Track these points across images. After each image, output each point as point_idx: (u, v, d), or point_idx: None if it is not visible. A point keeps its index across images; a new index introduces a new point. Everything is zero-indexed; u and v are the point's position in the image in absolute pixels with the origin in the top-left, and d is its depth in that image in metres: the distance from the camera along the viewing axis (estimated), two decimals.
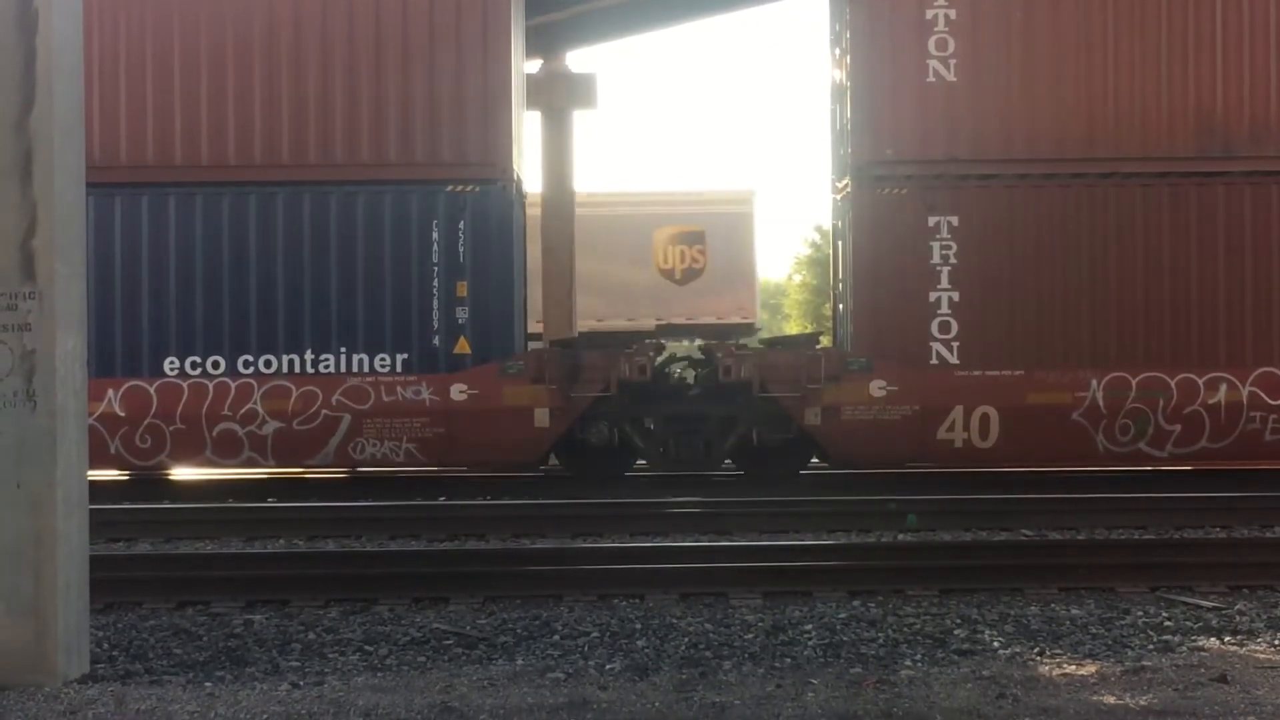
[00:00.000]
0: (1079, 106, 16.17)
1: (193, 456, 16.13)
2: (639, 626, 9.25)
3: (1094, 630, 9.09)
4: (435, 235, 16.15)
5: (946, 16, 16.18)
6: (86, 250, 8.29)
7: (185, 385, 16.06)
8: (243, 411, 16.03)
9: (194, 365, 16.10)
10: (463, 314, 16.16)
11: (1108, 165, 16.14)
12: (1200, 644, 8.70)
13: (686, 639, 8.88)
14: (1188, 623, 9.32)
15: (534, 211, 21.52)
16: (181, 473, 16.90)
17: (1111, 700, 7.25)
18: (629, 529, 13.58)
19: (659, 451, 16.90)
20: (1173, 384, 16.02)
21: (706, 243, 27.57)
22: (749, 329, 27.33)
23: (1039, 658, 8.34)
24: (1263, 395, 16.02)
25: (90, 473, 8.17)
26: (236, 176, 16.18)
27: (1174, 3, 16.19)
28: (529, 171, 19.47)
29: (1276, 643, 8.71)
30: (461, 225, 16.19)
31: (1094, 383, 16.02)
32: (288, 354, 16.13)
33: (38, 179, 7.68)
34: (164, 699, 7.47)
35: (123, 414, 15.97)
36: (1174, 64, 16.17)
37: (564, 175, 24.79)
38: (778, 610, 9.75)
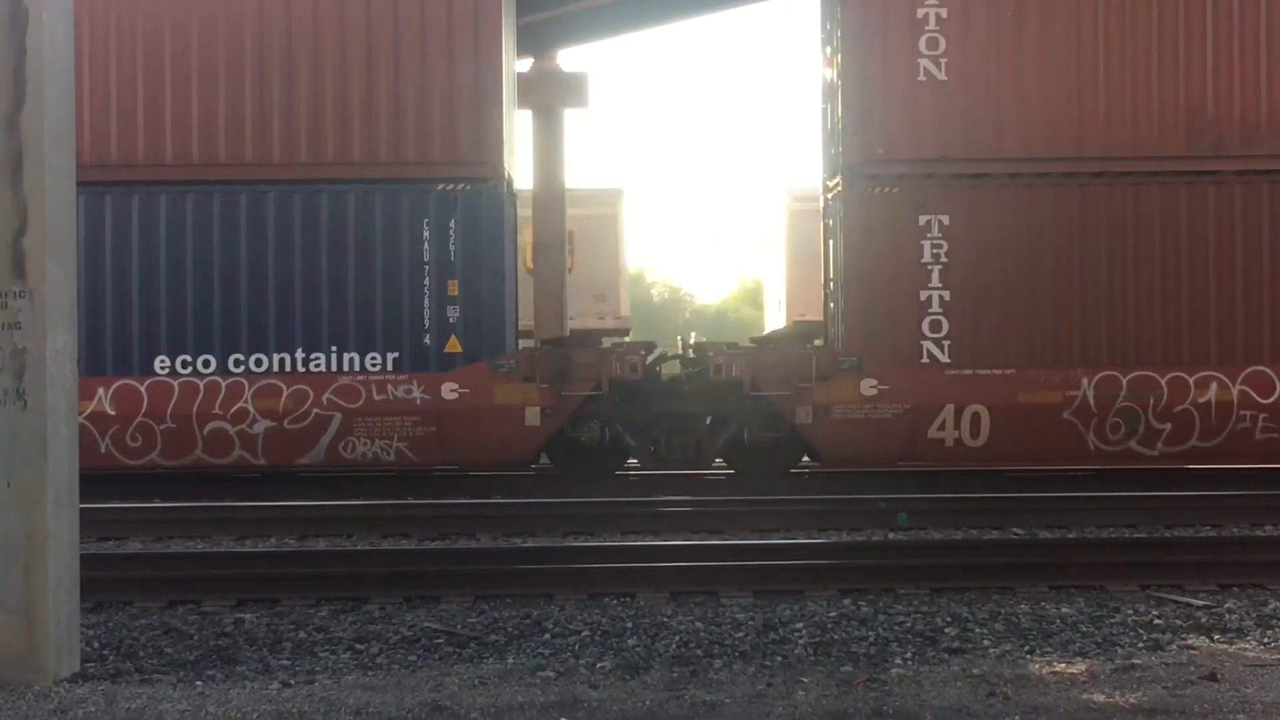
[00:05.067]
0: (1070, 105, 16.19)
1: (184, 455, 16.11)
2: (630, 625, 9.26)
3: (1084, 628, 9.11)
4: (426, 234, 16.15)
5: (937, 15, 16.19)
6: (77, 249, 8.29)
7: (176, 384, 16.04)
8: (234, 410, 16.01)
9: (185, 364, 16.09)
10: (454, 313, 16.15)
11: (1098, 164, 16.16)
12: (1190, 642, 8.72)
13: (677, 637, 8.88)
14: (1177, 621, 9.34)
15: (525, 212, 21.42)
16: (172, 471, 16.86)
17: (1101, 698, 7.26)
18: (620, 528, 13.59)
19: (650, 450, 16.89)
20: (1163, 383, 16.04)
21: (575, 243, 27.03)
22: (620, 333, 26.91)
23: (1029, 656, 8.36)
24: (1253, 394, 16.04)
25: (80, 471, 8.15)
26: (227, 175, 16.16)
27: (1164, 2, 16.21)
28: (520, 170, 19.43)
29: (1266, 641, 8.73)
30: (452, 224, 16.18)
31: (1085, 381, 16.05)
32: (279, 353, 16.13)
33: (28, 178, 7.67)
34: (154, 698, 7.46)
35: (113, 413, 15.95)
36: (1164, 63, 16.19)
37: (556, 174, 24.77)
38: (768, 609, 9.76)
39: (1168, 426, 16.06)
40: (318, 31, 16.18)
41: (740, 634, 8.99)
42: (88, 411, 15.43)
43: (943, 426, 16.05)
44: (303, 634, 9.21)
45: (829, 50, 17.20)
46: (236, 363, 16.10)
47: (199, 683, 7.88)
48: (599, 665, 8.20)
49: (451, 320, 16.15)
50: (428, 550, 12.28)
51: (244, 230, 16.15)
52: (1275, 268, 16.12)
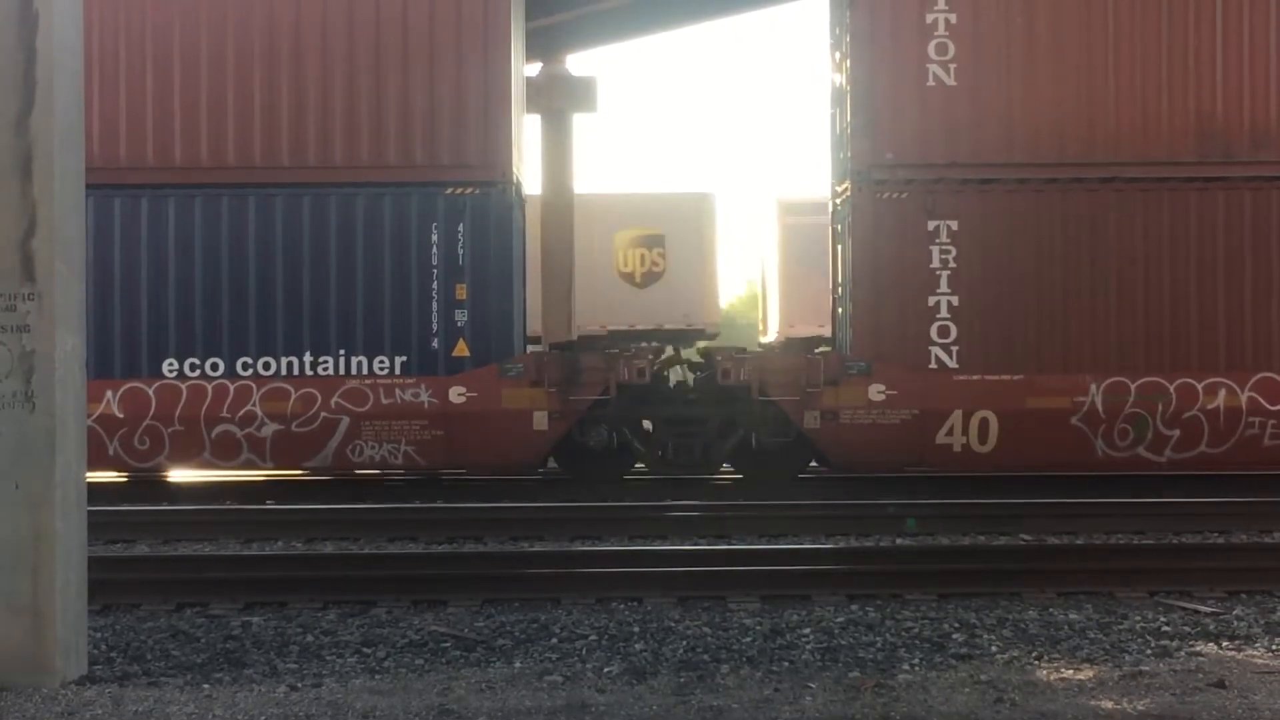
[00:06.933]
0: (1079, 111, 16.16)
1: (191, 458, 16.11)
2: (637, 630, 9.25)
3: (1092, 635, 9.09)
4: (434, 237, 16.14)
5: (947, 20, 16.17)
6: (86, 251, 8.30)
7: (184, 387, 16.04)
8: (241, 413, 16.02)
9: (193, 367, 16.09)
10: (462, 316, 16.15)
11: (1108, 170, 16.14)
12: (1198, 649, 8.71)
13: (684, 642, 8.88)
14: (1185, 628, 9.32)
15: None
16: (180, 474, 16.88)
17: (1109, 705, 7.25)
18: (627, 532, 13.58)
19: (658, 454, 16.89)
20: (1172, 389, 16.01)
21: (666, 246, 26.95)
22: (707, 334, 26.89)
23: (1037, 662, 8.34)
24: (1262, 401, 16.01)
25: (88, 474, 8.16)
26: (236, 178, 16.16)
27: (1175, 8, 16.18)
28: (529, 174, 19.46)
29: (1274, 648, 8.71)
30: (461, 227, 16.17)
31: (1093, 387, 16.02)
32: (287, 356, 16.12)
33: (38, 179, 7.69)
34: (162, 700, 7.47)
35: (121, 415, 15.95)
36: (1174, 69, 16.16)
37: (564, 178, 24.80)
38: (776, 614, 9.74)
39: (1176, 433, 16.03)
40: (326, 35, 16.18)
41: (747, 639, 8.98)
42: (96, 414, 15.44)
43: (951, 432, 16.02)
44: (310, 637, 9.21)
45: (838, 55, 17.20)
46: (244, 366, 16.10)
47: (206, 685, 7.89)
48: (606, 670, 8.20)
49: (459, 324, 16.15)
50: (435, 554, 12.28)
51: (252, 233, 16.15)
52: None
